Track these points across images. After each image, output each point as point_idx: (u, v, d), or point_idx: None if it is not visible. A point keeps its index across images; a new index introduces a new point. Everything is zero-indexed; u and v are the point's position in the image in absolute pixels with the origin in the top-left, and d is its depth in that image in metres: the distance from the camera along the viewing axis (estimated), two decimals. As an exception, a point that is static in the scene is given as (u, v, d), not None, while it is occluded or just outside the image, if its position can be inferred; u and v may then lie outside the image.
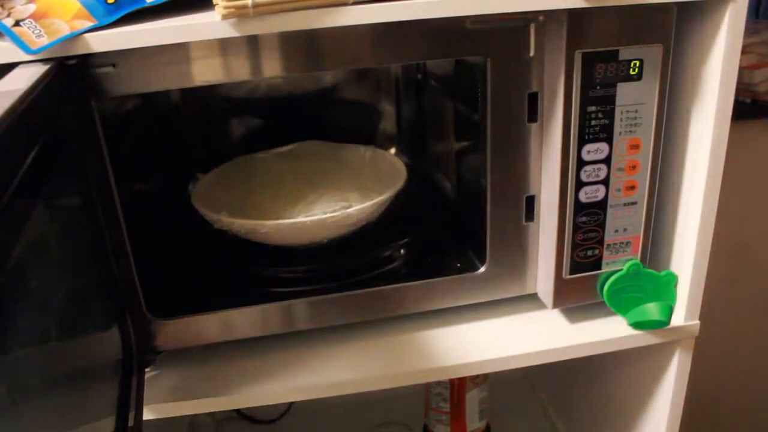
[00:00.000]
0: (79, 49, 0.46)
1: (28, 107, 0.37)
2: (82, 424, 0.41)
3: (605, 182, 0.57)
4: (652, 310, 0.59)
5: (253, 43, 0.50)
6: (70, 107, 0.48)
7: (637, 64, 0.53)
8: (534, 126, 0.57)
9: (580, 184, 0.56)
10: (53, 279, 0.41)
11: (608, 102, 0.54)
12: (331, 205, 0.73)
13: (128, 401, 0.50)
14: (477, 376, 0.84)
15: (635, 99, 0.54)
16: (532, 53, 0.54)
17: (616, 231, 0.59)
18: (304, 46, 0.51)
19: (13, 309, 0.32)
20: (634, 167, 0.57)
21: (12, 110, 0.35)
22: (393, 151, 0.89)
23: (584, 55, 0.52)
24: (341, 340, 0.62)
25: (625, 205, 0.58)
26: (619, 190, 0.57)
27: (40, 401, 0.35)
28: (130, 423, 0.48)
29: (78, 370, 0.43)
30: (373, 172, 0.76)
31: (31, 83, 0.39)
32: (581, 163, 0.56)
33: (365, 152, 0.80)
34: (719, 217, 0.57)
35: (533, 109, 0.56)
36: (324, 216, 0.62)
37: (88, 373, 0.45)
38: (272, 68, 0.52)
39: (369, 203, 0.64)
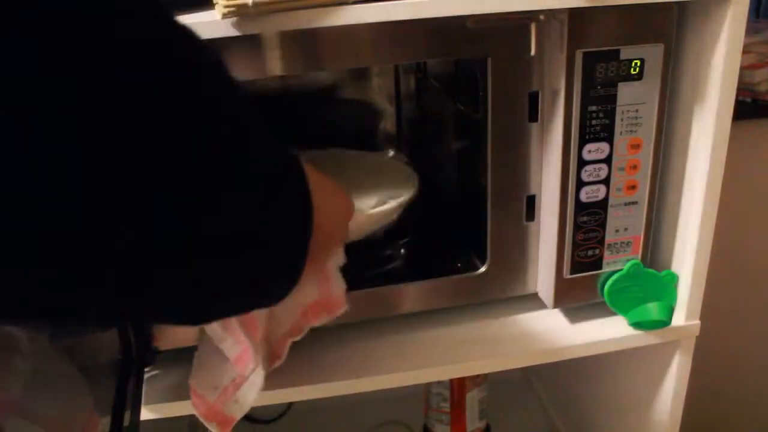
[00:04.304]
0: (79, 49, 0.46)
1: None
2: (78, 422, 0.41)
3: (606, 182, 0.57)
4: (652, 309, 0.59)
5: (252, 42, 0.50)
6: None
7: (638, 64, 0.53)
8: (534, 125, 0.56)
9: (580, 184, 0.56)
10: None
11: (609, 101, 0.54)
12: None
13: (125, 400, 0.50)
14: (477, 376, 0.84)
15: (636, 99, 0.54)
16: (532, 53, 0.54)
17: (617, 231, 0.59)
18: (304, 46, 0.51)
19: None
20: (634, 167, 0.56)
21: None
22: (392, 151, 0.89)
23: (585, 55, 0.52)
24: (341, 340, 0.62)
25: (625, 204, 0.58)
26: (619, 189, 0.57)
27: (41, 396, 0.35)
28: (126, 423, 0.47)
29: (78, 368, 0.43)
30: (389, 180, 0.73)
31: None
32: (582, 163, 0.55)
33: (381, 159, 0.78)
34: (720, 216, 0.56)
35: (534, 109, 0.56)
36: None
37: (86, 372, 0.45)
38: (271, 67, 0.52)
39: (379, 209, 0.62)
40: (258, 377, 0.51)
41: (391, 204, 0.63)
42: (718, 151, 0.54)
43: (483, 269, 0.62)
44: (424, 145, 0.86)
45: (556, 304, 0.61)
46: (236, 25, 0.46)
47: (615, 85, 0.53)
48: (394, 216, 0.64)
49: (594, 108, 0.54)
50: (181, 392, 0.57)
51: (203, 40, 0.27)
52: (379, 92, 0.89)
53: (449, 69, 0.70)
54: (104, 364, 0.49)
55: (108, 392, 0.48)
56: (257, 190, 0.29)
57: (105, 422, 0.46)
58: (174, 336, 0.59)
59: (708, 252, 0.58)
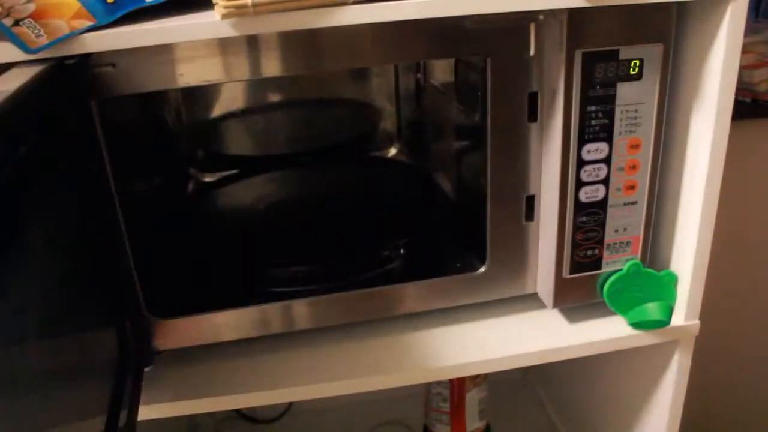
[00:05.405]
0: (79, 49, 0.46)
1: (15, 107, 0.36)
2: (73, 421, 0.41)
3: (605, 182, 0.57)
4: (652, 309, 0.59)
5: (252, 42, 0.50)
6: (69, 107, 0.48)
7: (638, 64, 0.53)
8: (534, 126, 0.56)
9: (580, 184, 0.56)
10: (51, 278, 0.41)
11: (608, 101, 0.54)
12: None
13: (121, 399, 0.50)
14: (477, 376, 0.84)
15: (635, 98, 0.54)
16: (532, 53, 0.54)
17: (616, 231, 0.59)
18: (304, 46, 0.51)
19: (10, 303, 0.32)
20: (634, 167, 0.57)
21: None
22: (393, 151, 0.89)
23: (584, 55, 0.52)
24: (341, 340, 0.62)
25: (625, 204, 0.58)
26: (619, 189, 0.57)
27: (31, 395, 0.35)
28: (121, 423, 0.47)
29: (71, 367, 0.43)
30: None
31: (22, 83, 0.39)
32: (581, 163, 0.56)
33: None
34: (719, 216, 0.56)
35: (533, 109, 0.56)
36: None
37: (81, 371, 0.45)
38: (271, 68, 0.52)
39: None
40: None
41: None
42: (718, 151, 0.54)
43: (482, 269, 0.62)
44: (423, 145, 0.86)
45: (556, 304, 0.61)
46: (236, 25, 0.46)
47: (614, 85, 0.53)
48: None
49: (593, 108, 0.54)
50: (181, 392, 0.57)
51: None
52: (379, 92, 0.89)
53: (449, 69, 0.71)
54: (102, 363, 0.49)
55: (105, 391, 0.48)
56: None
57: (101, 421, 0.46)
58: (174, 336, 0.59)
59: (708, 252, 0.58)
